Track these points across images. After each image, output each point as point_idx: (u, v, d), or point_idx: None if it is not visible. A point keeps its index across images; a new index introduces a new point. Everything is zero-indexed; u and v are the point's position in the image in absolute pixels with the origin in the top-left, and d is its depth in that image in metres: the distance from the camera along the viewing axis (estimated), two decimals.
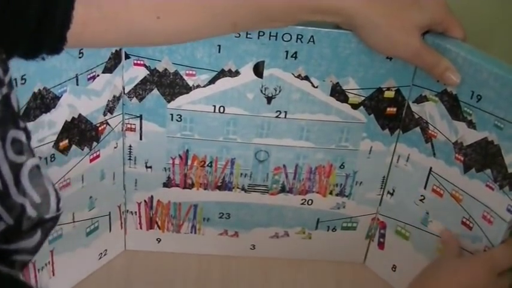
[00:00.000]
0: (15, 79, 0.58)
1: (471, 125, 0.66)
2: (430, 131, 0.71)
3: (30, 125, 0.62)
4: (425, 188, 0.73)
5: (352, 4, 0.61)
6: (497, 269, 0.64)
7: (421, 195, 0.74)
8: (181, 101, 0.72)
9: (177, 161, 0.77)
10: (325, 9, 0.62)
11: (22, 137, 0.43)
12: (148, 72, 0.70)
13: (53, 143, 0.66)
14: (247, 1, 0.59)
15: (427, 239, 0.75)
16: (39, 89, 0.62)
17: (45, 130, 0.65)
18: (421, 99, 0.70)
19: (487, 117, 0.64)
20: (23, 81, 0.59)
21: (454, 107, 0.67)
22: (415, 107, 0.71)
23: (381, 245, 0.82)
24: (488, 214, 0.67)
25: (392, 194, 0.78)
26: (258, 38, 0.67)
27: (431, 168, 0.72)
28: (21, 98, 0.61)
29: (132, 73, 0.70)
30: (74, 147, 0.69)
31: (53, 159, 0.67)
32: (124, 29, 0.57)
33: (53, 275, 0.75)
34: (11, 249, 0.43)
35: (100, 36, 0.57)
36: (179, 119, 0.73)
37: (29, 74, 0.60)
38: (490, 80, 0.62)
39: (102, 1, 0.55)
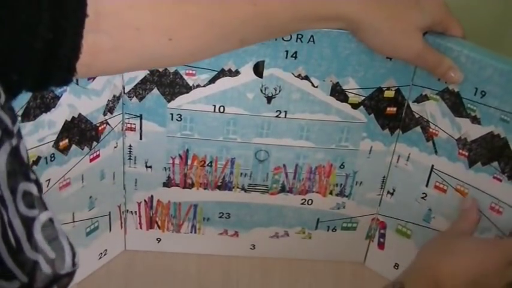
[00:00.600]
0: None
1: (475, 120, 0.66)
2: (431, 130, 0.71)
3: (30, 125, 0.62)
4: (427, 185, 0.73)
5: (353, 9, 0.61)
6: (509, 258, 0.63)
7: (423, 193, 0.74)
8: (181, 101, 0.72)
9: (177, 161, 0.77)
10: (329, 16, 0.61)
11: (33, 189, 0.40)
12: (148, 72, 0.70)
13: (52, 143, 0.66)
14: (254, 17, 0.58)
15: (430, 236, 0.75)
16: None
17: (45, 130, 0.65)
18: (421, 99, 0.70)
19: (492, 112, 0.64)
20: None
21: (456, 104, 0.67)
22: (415, 107, 0.71)
23: (381, 245, 0.82)
24: (496, 205, 0.67)
25: (392, 194, 0.78)
26: None
27: (433, 166, 0.72)
28: (21, 97, 0.61)
29: (132, 73, 0.70)
30: (74, 146, 0.69)
31: (52, 158, 0.67)
32: (136, 55, 0.55)
33: None
34: None
35: (111, 65, 0.54)
36: (179, 119, 0.73)
37: None
38: (495, 76, 0.62)
39: (112, 28, 0.51)
